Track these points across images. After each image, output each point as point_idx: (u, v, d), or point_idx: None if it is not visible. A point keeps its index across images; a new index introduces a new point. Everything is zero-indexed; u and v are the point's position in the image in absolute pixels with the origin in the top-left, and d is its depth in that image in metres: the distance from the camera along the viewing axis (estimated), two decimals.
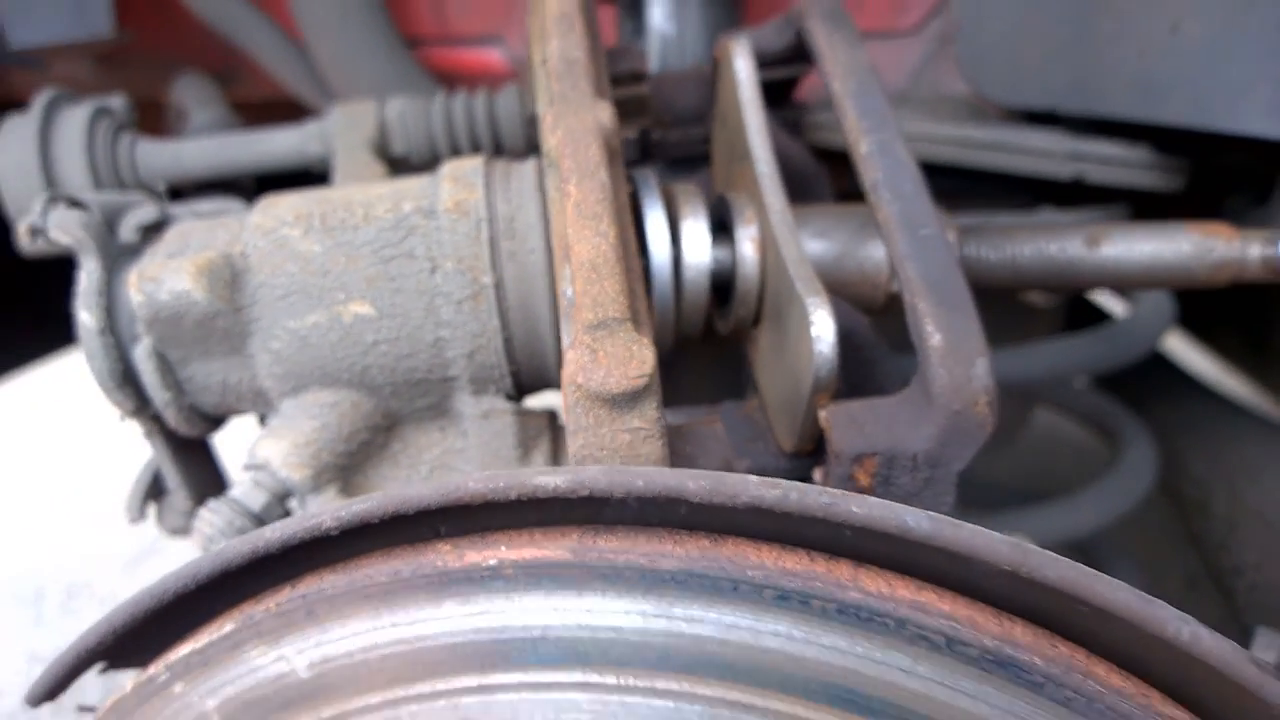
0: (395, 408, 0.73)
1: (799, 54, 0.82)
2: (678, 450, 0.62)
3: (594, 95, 0.68)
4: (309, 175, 0.97)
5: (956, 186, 1.14)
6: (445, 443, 0.74)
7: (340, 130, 0.93)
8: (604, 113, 0.66)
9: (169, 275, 0.67)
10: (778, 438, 0.71)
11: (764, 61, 0.85)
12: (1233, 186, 1.24)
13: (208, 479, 0.83)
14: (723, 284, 0.74)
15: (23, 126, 0.91)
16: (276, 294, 0.69)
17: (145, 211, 0.78)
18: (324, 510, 0.50)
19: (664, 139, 0.93)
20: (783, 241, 0.67)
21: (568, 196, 0.61)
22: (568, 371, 0.55)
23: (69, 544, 2.83)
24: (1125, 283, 0.79)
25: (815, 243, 0.74)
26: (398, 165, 0.96)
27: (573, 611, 0.48)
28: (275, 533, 0.51)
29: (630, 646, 0.48)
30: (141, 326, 0.69)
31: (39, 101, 0.93)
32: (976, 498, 1.58)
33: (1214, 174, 1.23)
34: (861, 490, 0.61)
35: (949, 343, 0.59)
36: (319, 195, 0.73)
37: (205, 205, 0.92)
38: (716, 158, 0.87)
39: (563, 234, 0.61)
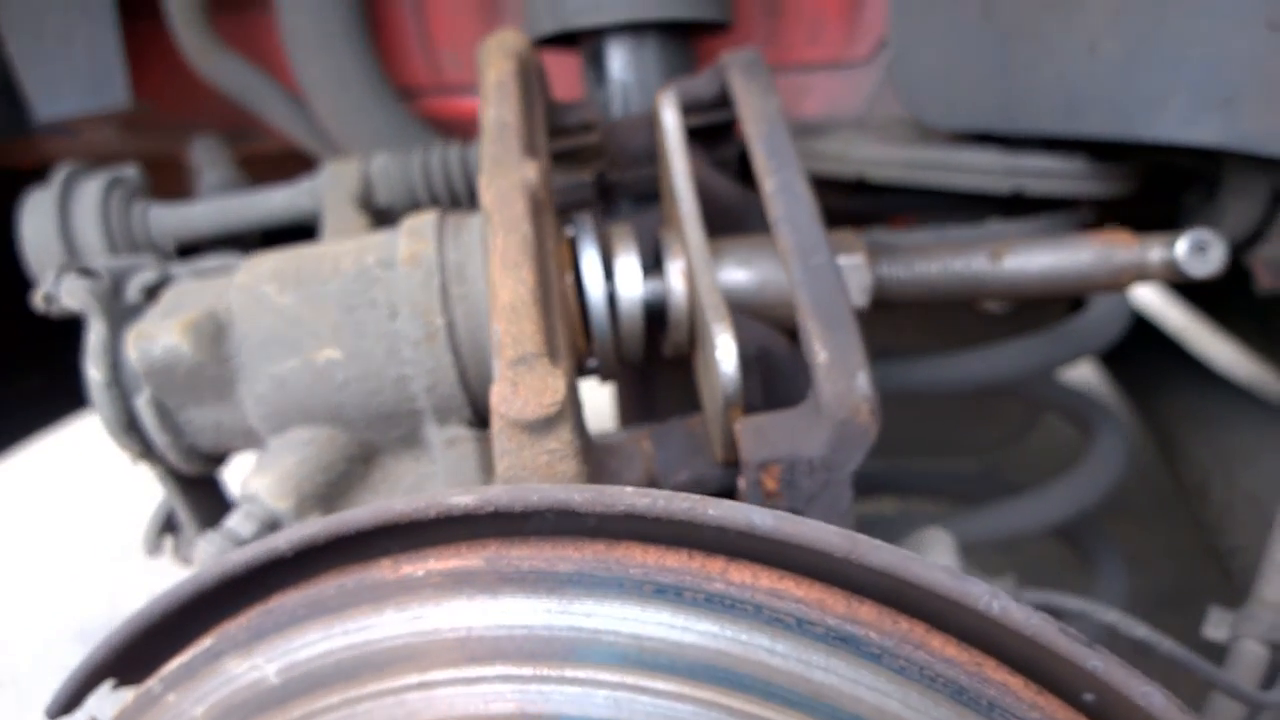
0: (371, 439, 0.81)
1: (729, 100, 0.91)
2: (605, 466, 0.70)
3: (523, 155, 0.77)
4: (310, 229, 1.07)
5: (917, 202, 1.22)
6: (418, 469, 0.83)
7: (328, 187, 1.03)
8: (530, 171, 0.75)
9: (161, 333, 0.76)
10: (714, 449, 0.79)
11: (699, 107, 0.93)
12: (1187, 184, 1.30)
13: (216, 512, 0.93)
14: (659, 313, 0.83)
15: (44, 199, 1.02)
16: (256, 344, 0.78)
17: (147, 275, 0.88)
18: (280, 535, 0.59)
19: (620, 180, 1.01)
20: (699, 275, 0.76)
21: (494, 249, 0.70)
22: (493, 402, 0.64)
23: (119, 579, 2.97)
24: (1030, 293, 0.86)
25: (739, 271, 0.81)
26: (383, 215, 1.05)
27: (491, 612, 0.56)
28: (240, 557, 0.60)
29: (540, 640, 0.56)
30: (140, 379, 0.79)
31: (58, 175, 1.04)
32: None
33: (1172, 174, 1.29)
34: (769, 494, 0.69)
35: (833, 359, 0.67)
36: (296, 252, 0.83)
37: (209, 262, 1.02)
38: (662, 196, 0.95)
39: (491, 278, 0.70)
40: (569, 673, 0.55)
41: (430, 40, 1.35)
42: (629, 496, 0.54)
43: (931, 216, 1.26)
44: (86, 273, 0.86)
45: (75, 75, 1.27)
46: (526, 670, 0.56)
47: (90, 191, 1.04)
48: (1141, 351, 1.76)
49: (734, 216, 0.89)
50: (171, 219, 1.06)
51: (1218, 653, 0.89)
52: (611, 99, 1.10)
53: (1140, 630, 0.80)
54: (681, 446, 0.85)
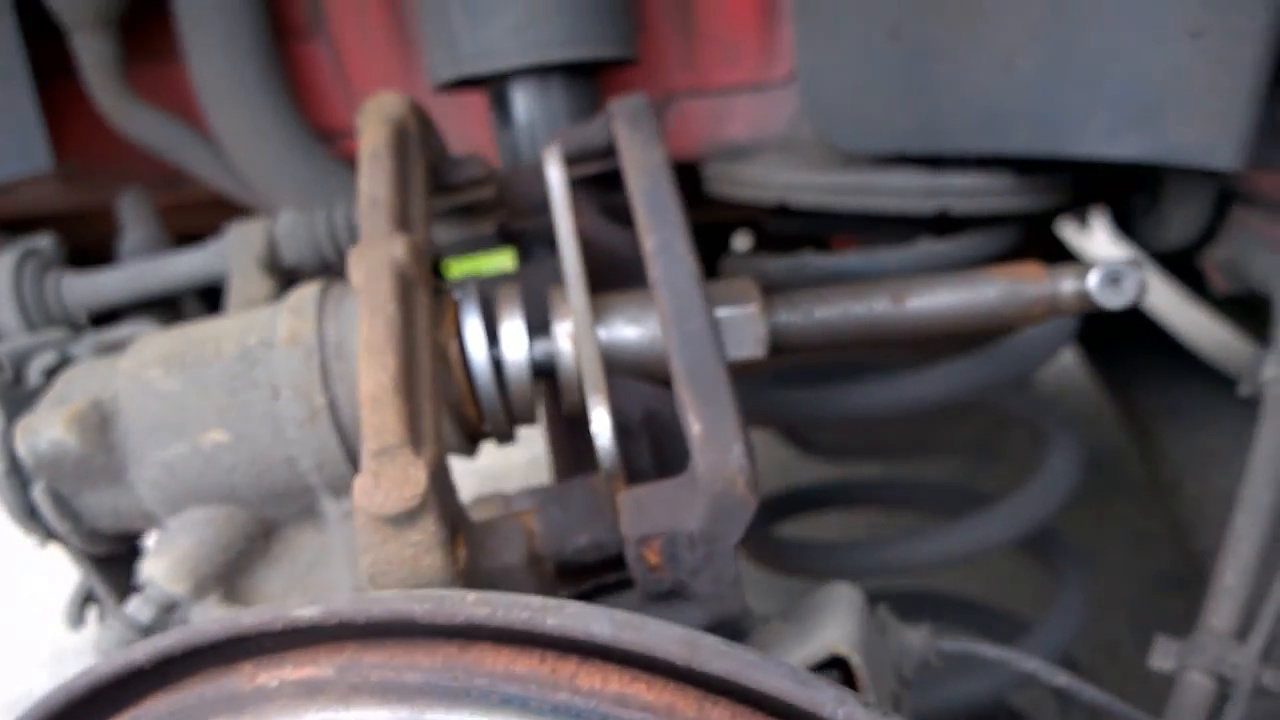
0: (270, 514, 0.81)
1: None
2: (483, 547, 0.69)
3: (392, 231, 0.76)
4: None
5: (846, 224, 1.20)
6: (319, 540, 0.82)
7: (234, 250, 1.02)
8: (399, 248, 0.73)
9: (46, 427, 0.76)
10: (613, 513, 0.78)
11: (591, 155, 0.92)
12: (1132, 188, 1.28)
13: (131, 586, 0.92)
14: (553, 373, 0.82)
15: None
16: (143, 431, 0.78)
17: (46, 357, 0.88)
18: (139, 647, 0.59)
19: (526, 227, 1.00)
20: (579, 341, 0.74)
21: (360, 333, 0.69)
22: (354, 497, 0.63)
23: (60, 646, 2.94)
24: (938, 333, 0.85)
25: (628, 329, 0.80)
26: (293, 274, 1.05)
27: None
28: (104, 669, 0.60)
29: None
30: (33, 472, 0.78)
31: None
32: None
33: (1115, 179, 1.27)
34: (652, 568, 0.68)
35: (707, 431, 0.66)
36: (183, 333, 0.82)
37: (121, 331, 1.01)
38: None
39: (358, 364, 0.69)
40: None
41: (348, 82, 1.34)
42: (468, 607, 0.53)
43: (864, 237, 1.25)
44: None
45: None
46: None
47: (3, 267, 1.03)
48: (1120, 339, 1.73)
49: (629, 268, 0.88)
50: (84, 289, 1.05)
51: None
52: (518, 141, 1.09)
53: (1061, 679, 0.79)
54: (582, 507, 0.84)
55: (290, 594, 0.81)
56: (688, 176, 1.26)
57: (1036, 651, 0.84)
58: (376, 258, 0.73)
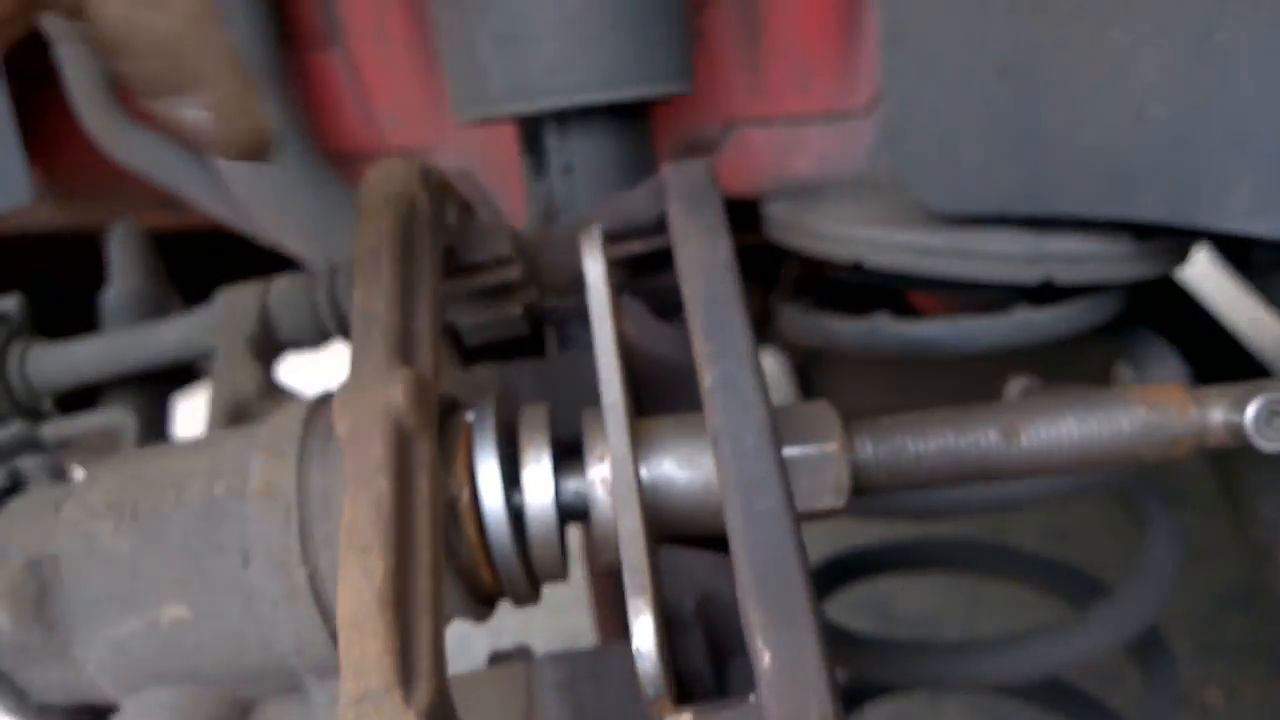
0: (245, 693, 0.67)
1: None
2: None
3: (390, 361, 0.61)
4: None
5: (922, 284, 1.03)
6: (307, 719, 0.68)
7: (219, 324, 0.88)
8: (396, 391, 0.58)
9: None
10: None
11: (639, 231, 0.76)
12: (1253, 242, 1.10)
13: None
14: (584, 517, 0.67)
15: None
16: (88, 604, 0.64)
17: None
18: None
19: (559, 305, 0.85)
20: (619, 508, 0.59)
21: (343, 517, 0.55)
22: None
23: None
24: (1057, 470, 0.68)
25: (682, 472, 0.65)
26: (286, 348, 0.90)
27: None
28: None
29: None
30: None
31: None
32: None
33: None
34: None
35: (780, 665, 0.50)
36: (136, 470, 0.68)
37: (93, 420, 0.88)
38: None
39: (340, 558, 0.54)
40: None
41: (368, 101, 1.18)
42: None
43: (948, 292, 1.08)
44: None
45: None
46: None
47: None
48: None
49: (686, 375, 0.72)
50: (53, 364, 0.92)
51: None
52: (554, 192, 0.93)
53: None
54: (621, 687, 0.69)
55: None
56: (743, 212, 1.10)
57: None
58: (368, 405, 0.58)
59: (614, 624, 0.93)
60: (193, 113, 0.54)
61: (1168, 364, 1.09)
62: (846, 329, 1.03)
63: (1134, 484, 1.22)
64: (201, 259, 1.46)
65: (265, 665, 0.64)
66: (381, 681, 0.49)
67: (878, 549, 1.46)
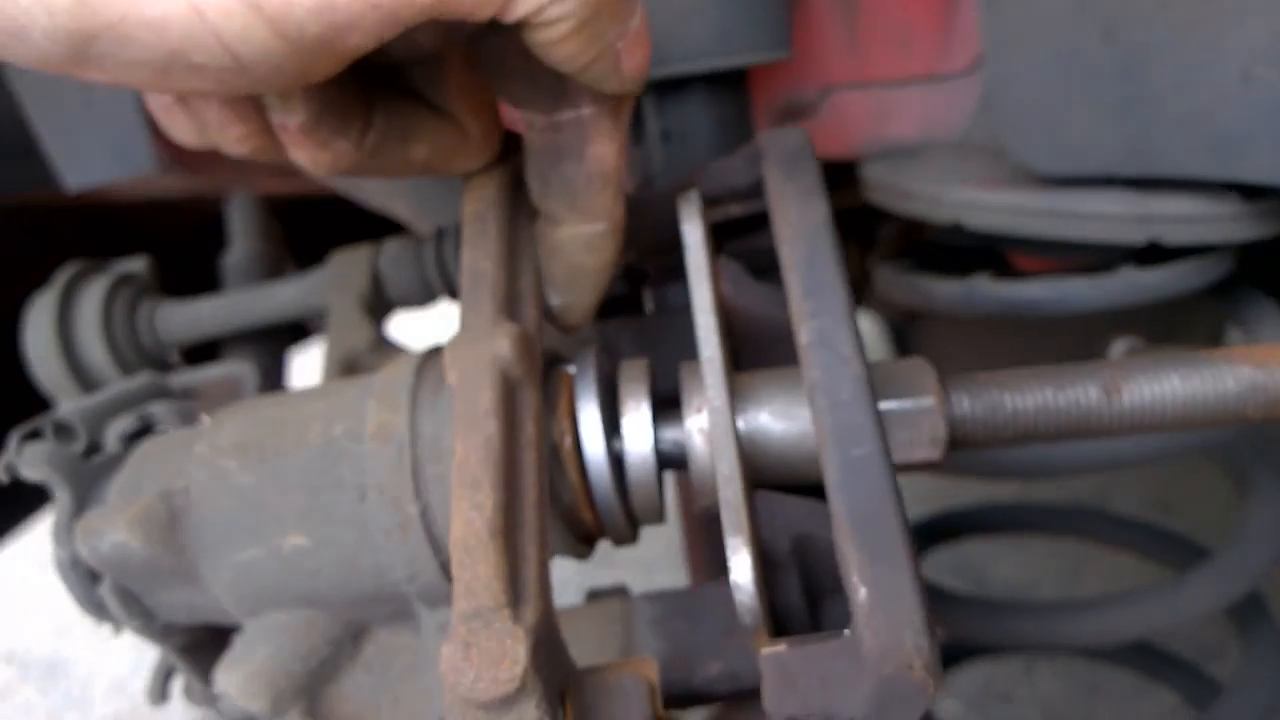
0: (358, 617, 0.71)
1: None
2: (596, 712, 0.57)
3: (498, 316, 0.64)
4: None
5: (1023, 244, 1.02)
6: (416, 646, 0.72)
7: (332, 284, 0.92)
8: (504, 342, 0.61)
9: (108, 527, 0.67)
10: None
11: (736, 195, 0.77)
12: None
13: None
14: (682, 465, 0.69)
15: (44, 308, 0.95)
16: (217, 531, 0.68)
17: (124, 421, 0.79)
18: None
19: (655, 266, 0.87)
20: (716, 454, 0.61)
21: (456, 455, 0.58)
22: (441, 670, 0.52)
23: None
24: (1159, 428, 0.68)
25: (776, 423, 0.66)
26: (395, 307, 0.94)
27: None
28: None
29: None
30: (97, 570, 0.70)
31: (59, 279, 0.96)
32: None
33: None
34: None
35: (876, 599, 0.52)
36: (262, 413, 0.72)
37: (216, 370, 0.93)
38: None
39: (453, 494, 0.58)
40: None
41: None
42: None
43: (1050, 254, 1.07)
44: (60, 428, 0.78)
45: (99, 141, 1.19)
46: None
47: (93, 296, 0.96)
48: None
49: (780, 333, 0.73)
50: (179, 320, 0.97)
51: None
52: (651, 157, 0.95)
53: None
54: (718, 624, 0.71)
55: (381, 705, 0.72)
56: (840, 172, 1.10)
57: None
58: (476, 356, 0.61)
59: (707, 570, 0.95)
60: None
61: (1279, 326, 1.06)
62: (944, 289, 1.03)
63: (1241, 451, 1.19)
64: (315, 226, 1.52)
65: (379, 590, 0.68)
66: (492, 601, 0.52)
67: (973, 510, 1.45)
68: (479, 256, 0.66)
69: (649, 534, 0.77)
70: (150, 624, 0.73)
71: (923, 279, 1.08)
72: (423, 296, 0.93)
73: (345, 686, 0.72)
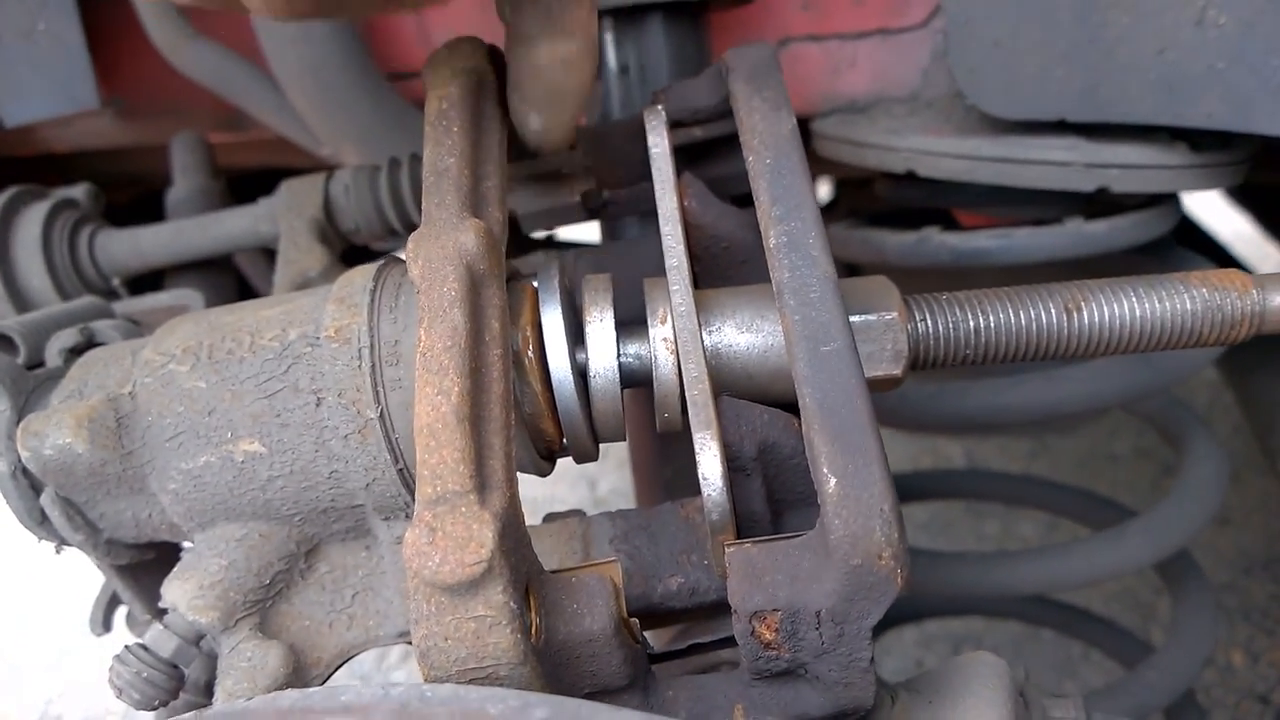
0: (311, 533, 0.69)
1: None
2: (561, 611, 0.56)
3: (461, 211, 0.63)
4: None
5: (980, 196, 1.04)
6: (369, 562, 0.71)
7: (285, 211, 0.90)
8: (468, 236, 0.60)
9: (51, 429, 0.65)
10: (713, 555, 0.65)
11: (699, 118, 0.77)
12: None
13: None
14: (647, 381, 0.68)
15: None
16: (165, 436, 0.66)
17: (66, 335, 0.77)
18: None
19: (614, 198, 0.86)
20: (684, 357, 0.61)
21: (419, 342, 0.57)
22: (405, 555, 0.51)
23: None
24: (1118, 350, 0.69)
25: (740, 336, 0.66)
26: (348, 240, 0.92)
27: None
28: None
29: None
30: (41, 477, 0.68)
31: None
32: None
33: None
34: (766, 644, 0.55)
35: (845, 490, 0.52)
36: (213, 321, 0.70)
37: (161, 299, 0.90)
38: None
39: (416, 382, 0.56)
40: None
41: (425, 22, 1.20)
42: None
43: (997, 210, 1.09)
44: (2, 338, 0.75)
45: (40, 77, 1.15)
46: None
47: (33, 221, 0.92)
48: None
49: (741, 255, 0.73)
50: (121, 248, 0.94)
51: None
52: (611, 92, 0.94)
53: None
54: (676, 540, 0.71)
55: (334, 624, 0.70)
56: None
57: None
58: (440, 248, 0.60)
59: (655, 489, 0.95)
60: None
61: None
62: (895, 241, 1.04)
63: (1172, 411, 1.22)
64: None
65: (334, 501, 0.66)
66: (459, 485, 0.51)
67: (908, 475, 1.47)
68: (443, 154, 0.65)
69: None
70: (93, 537, 0.70)
71: (874, 233, 1.09)
72: (377, 228, 0.91)
73: (296, 603, 0.70)
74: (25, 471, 0.69)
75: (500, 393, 0.58)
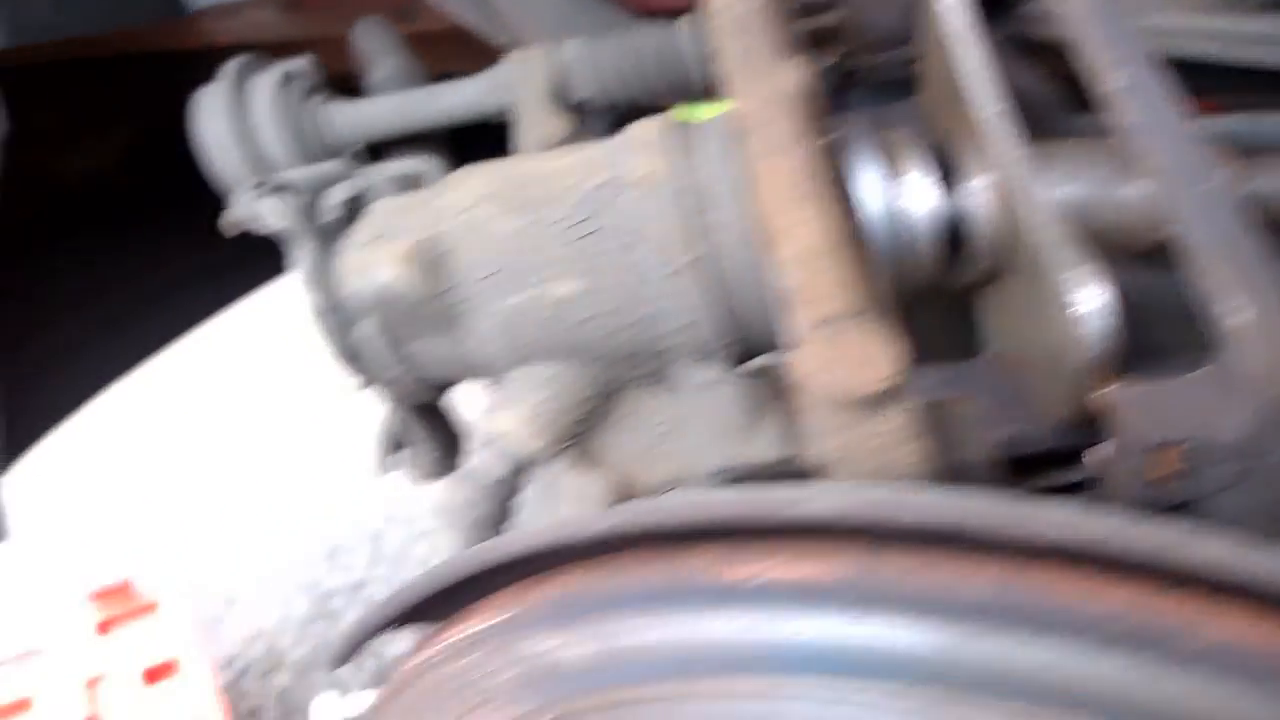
0: (615, 375, 0.71)
1: None
2: (945, 439, 0.57)
3: (775, 53, 0.63)
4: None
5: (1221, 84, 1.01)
6: (670, 410, 0.72)
7: (517, 81, 0.90)
8: (789, 77, 0.60)
9: (377, 266, 0.67)
10: (1041, 402, 0.66)
11: None
12: None
13: (443, 433, 0.87)
14: (949, 240, 0.69)
15: (217, 99, 0.91)
16: (478, 276, 0.68)
17: (344, 187, 0.78)
18: (594, 519, 0.52)
19: (865, 65, 0.86)
20: (1026, 197, 0.61)
21: (763, 178, 0.57)
22: (803, 371, 0.52)
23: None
24: None
25: (1061, 188, 0.67)
26: (577, 113, 0.92)
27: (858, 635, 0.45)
28: (549, 535, 0.53)
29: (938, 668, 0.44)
30: (360, 312, 0.69)
31: (228, 71, 0.93)
32: None
33: None
34: (1158, 479, 0.56)
35: (1260, 321, 0.52)
36: (505, 171, 0.71)
37: (395, 166, 0.90)
38: (928, 87, 0.79)
39: (765, 215, 0.57)
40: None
41: None
42: (1063, 522, 0.41)
43: (1233, 99, 1.06)
44: (281, 188, 0.76)
45: None
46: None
47: (264, 89, 0.92)
48: None
49: (1036, 116, 0.73)
50: (349, 119, 0.95)
51: None
52: None
53: None
54: (996, 395, 0.72)
55: (646, 461, 0.71)
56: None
57: None
58: (767, 87, 0.60)
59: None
60: None
61: None
62: None
63: None
64: None
65: (642, 345, 0.68)
66: (848, 307, 0.52)
67: None
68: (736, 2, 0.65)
69: None
70: (407, 374, 0.72)
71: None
72: (611, 97, 0.91)
73: (600, 443, 0.72)
74: (337, 308, 0.71)
75: (849, 230, 0.58)
